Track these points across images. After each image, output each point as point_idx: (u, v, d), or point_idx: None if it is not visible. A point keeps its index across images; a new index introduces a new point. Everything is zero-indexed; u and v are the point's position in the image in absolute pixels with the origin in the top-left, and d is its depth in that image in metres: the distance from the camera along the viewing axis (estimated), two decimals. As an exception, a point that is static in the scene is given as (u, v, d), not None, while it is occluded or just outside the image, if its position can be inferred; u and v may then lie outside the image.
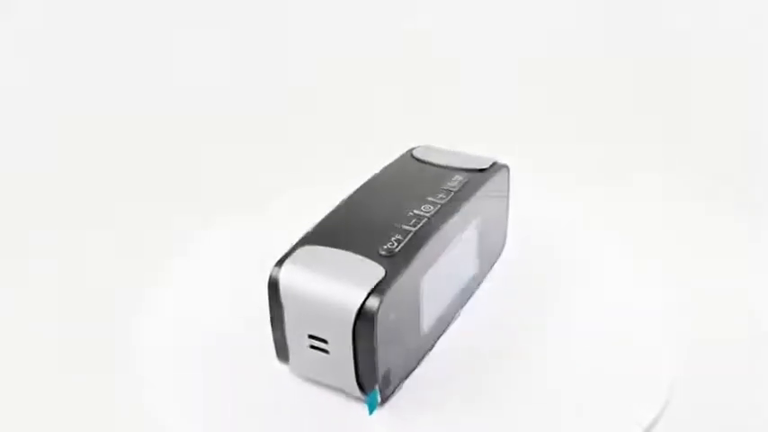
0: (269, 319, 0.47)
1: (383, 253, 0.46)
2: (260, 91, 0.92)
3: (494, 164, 0.56)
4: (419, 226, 0.49)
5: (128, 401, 0.50)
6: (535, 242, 0.62)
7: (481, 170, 0.55)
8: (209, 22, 1.02)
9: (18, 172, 0.79)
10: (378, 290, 0.44)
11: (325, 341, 0.46)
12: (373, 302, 0.43)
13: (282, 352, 0.48)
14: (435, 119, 0.83)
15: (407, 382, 0.49)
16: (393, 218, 0.49)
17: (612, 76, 0.94)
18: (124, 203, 0.73)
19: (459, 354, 0.52)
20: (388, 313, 0.44)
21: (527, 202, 0.63)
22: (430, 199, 0.51)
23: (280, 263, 0.46)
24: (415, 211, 0.50)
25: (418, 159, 0.57)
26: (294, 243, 0.48)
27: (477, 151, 0.58)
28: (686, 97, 0.89)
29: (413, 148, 0.59)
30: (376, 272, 0.45)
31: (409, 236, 0.48)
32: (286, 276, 0.46)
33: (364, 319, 0.43)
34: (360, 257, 0.46)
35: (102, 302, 0.59)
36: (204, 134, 0.85)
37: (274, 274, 0.46)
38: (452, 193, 0.52)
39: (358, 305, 0.43)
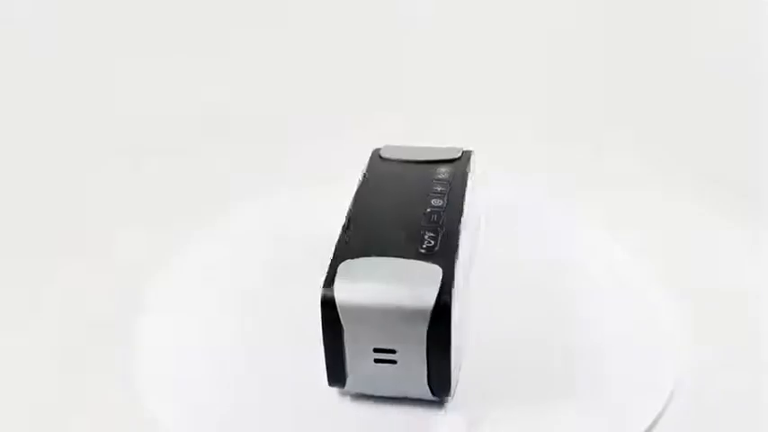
0: (322, 342, 0.45)
1: (424, 251, 0.45)
2: (256, 92, 0.92)
3: (463, 152, 0.57)
4: (441, 220, 0.48)
5: (128, 401, 0.50)
6: (532, 242, 0.62)
7: (454, 159, 0.55)
8: (211, 23, 1.02)
9: (17, 172, 0.79)
10: (444, 287, 0.43)
11: (393, 351, 0.44)
12: (446, 300, 0.42)
13: (337, 375, 0.46)
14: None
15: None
16: (411, 218, 0.49)
17: (612, 77, 0.94)
18: (124, 204, 0.73)
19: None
20: (455, 309, 0.43)
21: (527, 203, 0.64)
22: (433, 193, 0.51)
23: (329, 282, 0.44)
24: (429, 209, 0.50)
25: (390, 159, 0.57)
26: (330, 261, 0.45)
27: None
28: (687, 98, 0.89)
29: (378, 150, 0.58)
30: (433, 271, 0.44)
31: (440, 231, 0.47)
32: (342, 294, 0.43)
33: (439, 318, 0.42)
34: (407, 261, 0.44)
35: (101, 303, 0.59)
36: (204, 134, 0.85)
37: (327, 294, 0.43)
38: (449, 184, 0.52)
39: (431, 306, 0.42)
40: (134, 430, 0.48)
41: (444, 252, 0.45)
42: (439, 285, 0.43)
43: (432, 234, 0.47)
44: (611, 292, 0.57)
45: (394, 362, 0.44)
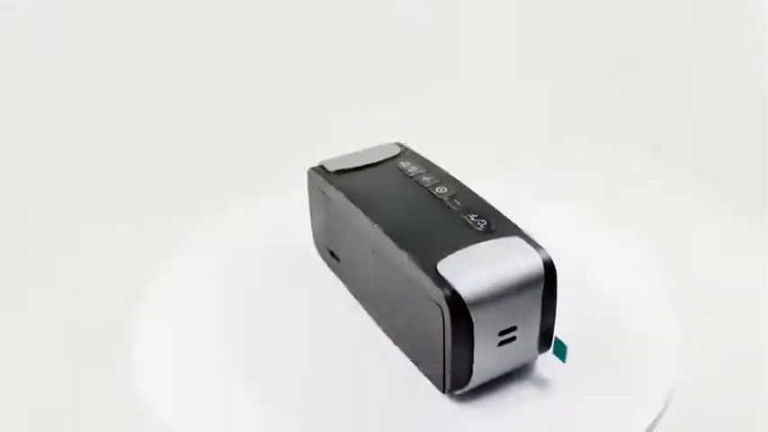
0: (447, 353, 0.44)
1: (484, 230, 0.46)
2: (252, 92, 0.92)
3: (401, 146, 0.56)
4: (465, 202, 0.49)
5: (128, 401, 0.50)
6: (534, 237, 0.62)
7: (401, 153, 0.55)
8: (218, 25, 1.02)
9: (18, 172, 0.79)
10: (538, 250, 0.45)
11: (514, 328, 0.45)
12: (547, 258, 0.44)
13: (463, 377, 0.45)
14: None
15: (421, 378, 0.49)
16: (440, 210, 0.49)
17: (612, 78, 0.94)
18: (124, 204, 0.73)
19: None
20: None
21: (527, 203, 0.63)
22: (427, 185, 0.51)
23: (442, 284, 0.42)
24: (444, 198, 0.49)
25: (344, 170, 0.54)
26: (417, 272, 0.44)
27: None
28: (688, 98, 0.89)
29: (318, 167, 0.54)
30: (516, 242, 0.45)
31: (476, 211, 0.48)
32: (465, 289, 0.42)
33: (549, 277, 0.44)
34: (485, 243, 0.45)
35: (102, 302, 0.59)
36: (204, 133, 0.85)
37: (451, 295, 0.42)
38: (428, 173, 0.52)
39: (541, 269, 0.44)
40: (134, 430, 0.48)
41: (501, 225, 0.46)
42: (534, 250, 0.45)
43: (474, 215, 0.47)
44: (611, 291, 0.57)
45: (514, 338, 0.45)
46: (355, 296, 0.54)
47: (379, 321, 0.52)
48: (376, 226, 0.48)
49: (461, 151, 0.58)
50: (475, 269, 0.44)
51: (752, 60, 0.92)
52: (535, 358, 0.47)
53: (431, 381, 0.47)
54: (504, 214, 0.48)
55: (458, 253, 0.44)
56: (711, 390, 0.49)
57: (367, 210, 0.49)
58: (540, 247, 0.45)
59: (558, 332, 0.50)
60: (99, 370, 0.52)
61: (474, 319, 0.43)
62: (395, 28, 1.00)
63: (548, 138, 0.83)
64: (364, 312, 0.53)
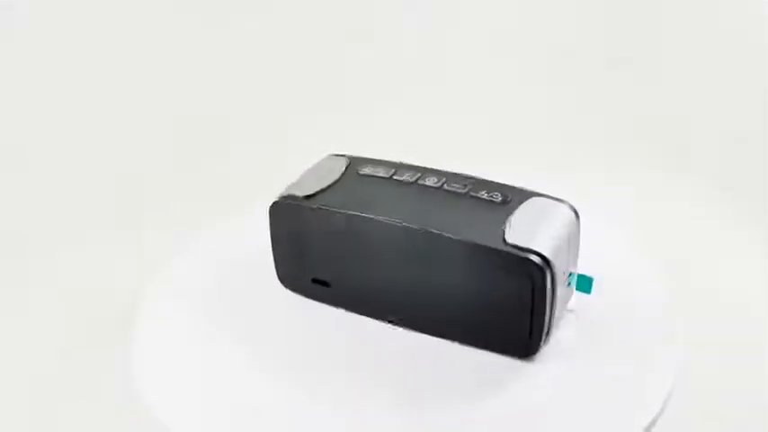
0: (536, 316, 0.46)
1: (502, 201, 0.49)
2: (251, 93, 0.92)
3: (341, 155, 0.55)
4: (461, 183, 0.50)
5: (128, 401, 0.50)
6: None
7: (350, 163, 0.54)
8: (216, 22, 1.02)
9: (18, 172, 0.79)
10: (562, 201, 0.49)
11: (571, 274, 0.48)
12: (571, 205, 0.49)
13: (544, 336, 0.48)
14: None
15: (418, 376, 0.49)
16: (452, 199, 0.49)
17: (613, 80, 0.94)
18: (124, 204, 0.73)
19: (454, 353, 0.51)
20: None
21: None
22: (414, 182, 0.51)
23: (528, 253, 0.45)
24: (443, 187, 0.50)
25: (310, 195, 0.51)
26: (491, 258, 0.46)
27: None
28: (689, 99, 0.89)
29: (281, 202, 0.52)
30: (542, 200, 0.49)
31: (481, 186, 0.50)
32: (547, 252, 0.45)
33: (578, 221, 0.49)
34: (520, 209, 0.48)
35: (102, 302, 0.59)
36: (204, 133, 0.85)
37: (542, 262, 0.45)
38: (400, 168, 0.52)
39: (574, 216, 0.49)
40: (134, 430, 0.48)
41: (513, 192, 0.49)
42: (559, 202, 0.49)
43: (483, 191, 0.49)
44: (611, 291, 0.57)
45: (569, 284, 0.48)
46: (360, 311, 0.53)
47: (410, 323, 0.51)
48: (407, 225, 0.48)
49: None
50: (536, 232, 0.46)
51: (753, 60, 0.92)
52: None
53: (505, 353, 0.49)
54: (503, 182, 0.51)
55: (509, 224, 0.47)
56: (711, 390, 0.49)
57: (383, 214, 0.49)
58: (560, 199, 0.49)
59: (555, 334, 0.51)
60: (99, 370, 0.52)
61: (556, 276, 0.46)
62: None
63: (546, 136, 0.83)
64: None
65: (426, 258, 0.48)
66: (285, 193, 0.52)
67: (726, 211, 0.68)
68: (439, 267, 0.48)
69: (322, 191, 0.51)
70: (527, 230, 0.46)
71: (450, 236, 0.47)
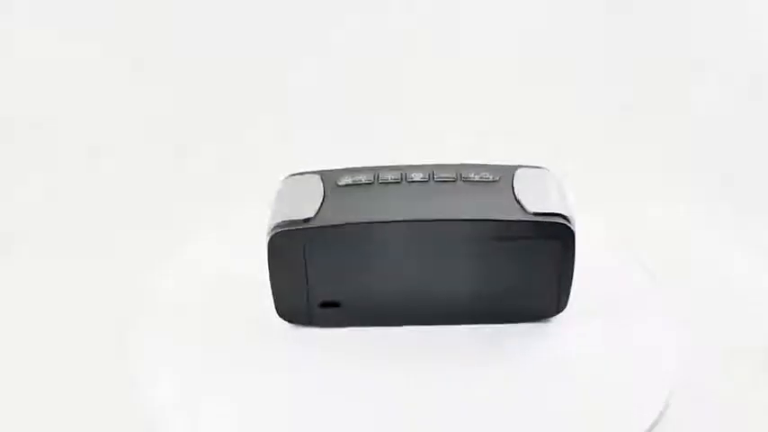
0: (563, 277, 0.50)
1: (493, 180, 0.50)
2: (251, 93, 0.92)
3: (307, 172, 0.53)
4: (445, 172, 0.51)
5: (128, 401, 0.50)
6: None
7: (322, 177, 0.52)
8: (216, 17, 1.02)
9: (18, 172, 0.79)
10: (540, 168, 0.52)
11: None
12: (548, 169, 0.52)
13: (566, 294, 0.51)
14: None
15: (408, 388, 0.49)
16: (440, 187, 0.50)
17: (613, 77, 0.94)
18: (124, 204, 0.73)
19: (454, 352, 0.51)
20: None
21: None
22: (397, 179, 0.50)
23: (555, 218, 0.48)
24: (431, 179, 0.50)
25: (307, 219, 0.50)
26: (518, 224, 0.48)
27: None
28: (690, 100, 0.89)
29: (282, 226, 0.49)
30: (526, 170, 0.51)
31: (465, 171, 0.51)
32: (568, 215, 0.48)
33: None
34: (516, 184, 0.50)
35: (102, 302, 0.59)
36: (205, 133, 0.85)
37: (569, 225, 0.48)
38: (379, 170, 0.51)
39: (558, 178, 0.52)
40: (134, 430, 0.48)
41: (495, 170, 0.51)
42: (540, 169, 0.52)
43: (473, 174, 0.50)
44: (612, 290, 0.57)
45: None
46: (377, 323, 0.52)
47: (433, 318, 0.51)
48: (425, 220, 0.48)
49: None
50: (545, 198, 0.49)
51: (755, 60, 0.92)
52: None
53: (533, 320, 0.51)
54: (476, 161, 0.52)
55: (518, 196, 0.49)
56: (710, 390, 0.49)
57: (394, 216, 0.48)
58: (539, 166, 0.51)
59: (554, 333, 0.51)
60: (99, 370, 0.52)
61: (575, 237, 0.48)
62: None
63: (544, 135, 0.83)
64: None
65: (449, 248, 0.48)
66: (279, 223, 0.49)
67: (726, 211, 0.68)
68: (463, 254, 0.49)
69: (317, 211, 0.49)
70: (538, 198, 0.48)
71: (472, 219, 0.47)
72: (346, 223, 0.48)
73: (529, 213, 0.48)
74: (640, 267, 0.59)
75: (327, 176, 0.52)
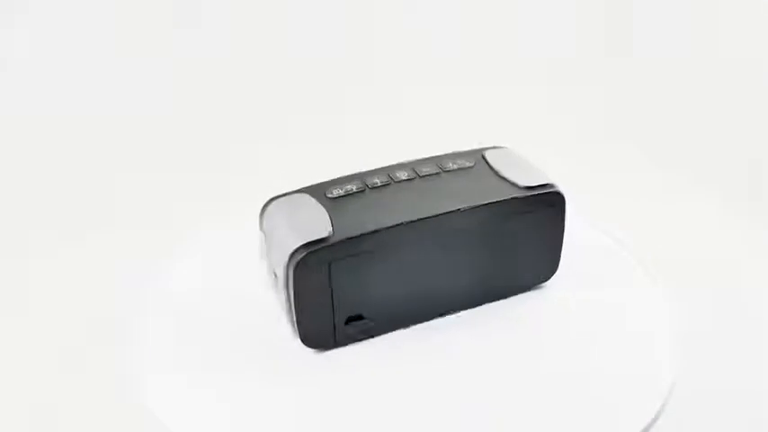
0: (562, 238, 0.53)
1: (473, 165, 0.53)
2: (252, 93, 0.92)
3: (292, 192, 0.52)
4: (425, 167, 0.52)
5: (128, 401, 0.50)
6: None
7: (310, 192, 0.52)
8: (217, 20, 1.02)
9: (18, 173, 0.79)
10: (497, 146, 0.56)
11: None
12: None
13: (558, 257, 0.55)
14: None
15: (399, 393, 0.49)
16: (430, 184, 0.51)
17: (614, 77, 0.94)
18: (124, 204, 0.73)
19: (454, 349, 0.52)
20: None
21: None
22: (386, 182, 0.51)
23: (549, 188, 0.51)
24: (417, 177, 0.51)
25: (317, 240, 0.48)
26: (520, 201, 0.50)
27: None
28: (690, 100, 0.89)
29: (300, 253, 0.47)
30: (491, 151, 0.55)
31: (443, 162, 0.53)
32: (551, 181, 0.52)
33: None
34: (492, 165, 0.53)
35: (102, 302, 0.59)
36: (206, 133, 0.85)
37: (555, 189, 0.51)
38: (363, 176, 0.52)
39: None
40: (134, 430, 0.49)
41: (465, 156, 0.53)
42: (499, 147, 0.55)
43: (451, 164, 0.52)
44: (612, 290, 0.57)
45: None
46: (398, 327, 0.52)
47: (446, 309, 0.53)
48: (435, 214, 0.49)
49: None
50: (527, 172, 0.52)
51: (755, 60, 0.92)
52: None
53: (536, 281, 0.55)
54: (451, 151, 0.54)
55: (504, 175, 0.51)
56: (710, 390, 0.49)
57: (405, 217, 0.48)
58: (500, 146, 0.55)
59: (555, 333, 0.51)
60: (99, 370, 0.52)
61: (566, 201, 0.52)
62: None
63: (542, 134, 0.83)
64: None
65: (459, 238, 0.49)
66: (300, 247, 0.47)
67: (726, 212, 0.68)
68: (472, 241, 0.50)
69: (332, 226, 0.48)
70: (521, 174, 0.51)
71: (479, 204, 0.49)
72: (368, 233, 0.47)
73: (522, 189, 0.50)
74: (643, 266, 0.59)
75: (314, 192, 0.51)
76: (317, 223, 0.48)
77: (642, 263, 0.61)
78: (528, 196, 0.50)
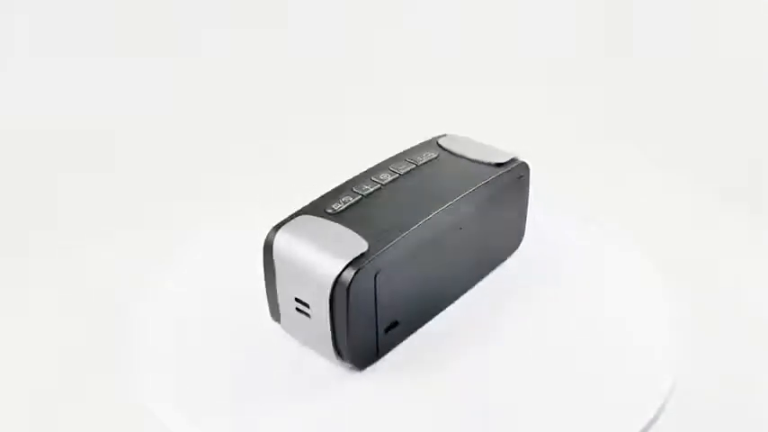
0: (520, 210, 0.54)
1: (438, 155, 0.54)
2: (252, 94, 0.92)
3: (304, 209, 0.50)
4: (402, 166, 0.53)
5: (128, 401, 0.50)
6: (536, 240, 0.62)
7: (312, 210, 0.50)
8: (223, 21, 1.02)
9: (18, 173, 0.79)
10: (451, 135, 0.57)
11: None
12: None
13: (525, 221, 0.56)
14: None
15: (399, 369, 0.49)
16: (415, 180, 0.52)
17: (615, 77, 0.94)
18: (125, 204, 0.73)
19: (455, 348, 0.52)
20: None
21: (531, 201, 0.63)
22: (377, 186, 0.51)
23: (516, 161, 0.53)
24: (400, 172, 0.52)
25: (360, 257, 0.46)
26: (499, 178, 0.52)
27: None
28: (690, 100, 0.89)
29: (349, 273, 0.44)
30: (447, 137, 0.56)
31: (413, 157, 0.54)
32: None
33: None
34: (451, 151, 0.54)
35: (102, 302, 0.59)
36: (206, 133, 0.85)
37: (522, 161, 0.53)
38: (354, 183, 0.52)
39: None
40: (134, 430, 0.49)
41: (427, 146, 0.55)
42: (455, 134, 0.57)
43: (420, 158, 0.53)
44: (612, 290, 0.57)
45: None
46: (422, 324, 0.52)
47: (455, 296, 0.54)
48: (450, 205, 0.50)
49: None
50: (492, 152, 0.53)
51: (755, 60, 0.92)
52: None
53: (511, 250, 0.56)
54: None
55: (472, 157, 0.53)
56: (710, 390, 0.49)
57: (426, 214, 0.49)
58: (443, 134, 0.56)
59: (556, 332, 0.51)
60: (99, 370, 0.52)
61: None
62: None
63: (542, 134, 0.83)
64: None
65: (464, 221, 0.51)
66: (347, 267, 0.44)
67: (726, 211, 0.68)
68: (472, 224, 0.51)
69: (362, 238, 0.46)
70: (485, 154, 0.53)
71: (474, 189, 0.50)
72: (402, 237, 0.46)
73: (495, 166, 0.52)
74: (646, 261, 0.59)
75: (314, 211, 0.49)
76: (346, 240, 0.46)
77: (642, 262, 0.61)
78: (506, 172, 0.52)
